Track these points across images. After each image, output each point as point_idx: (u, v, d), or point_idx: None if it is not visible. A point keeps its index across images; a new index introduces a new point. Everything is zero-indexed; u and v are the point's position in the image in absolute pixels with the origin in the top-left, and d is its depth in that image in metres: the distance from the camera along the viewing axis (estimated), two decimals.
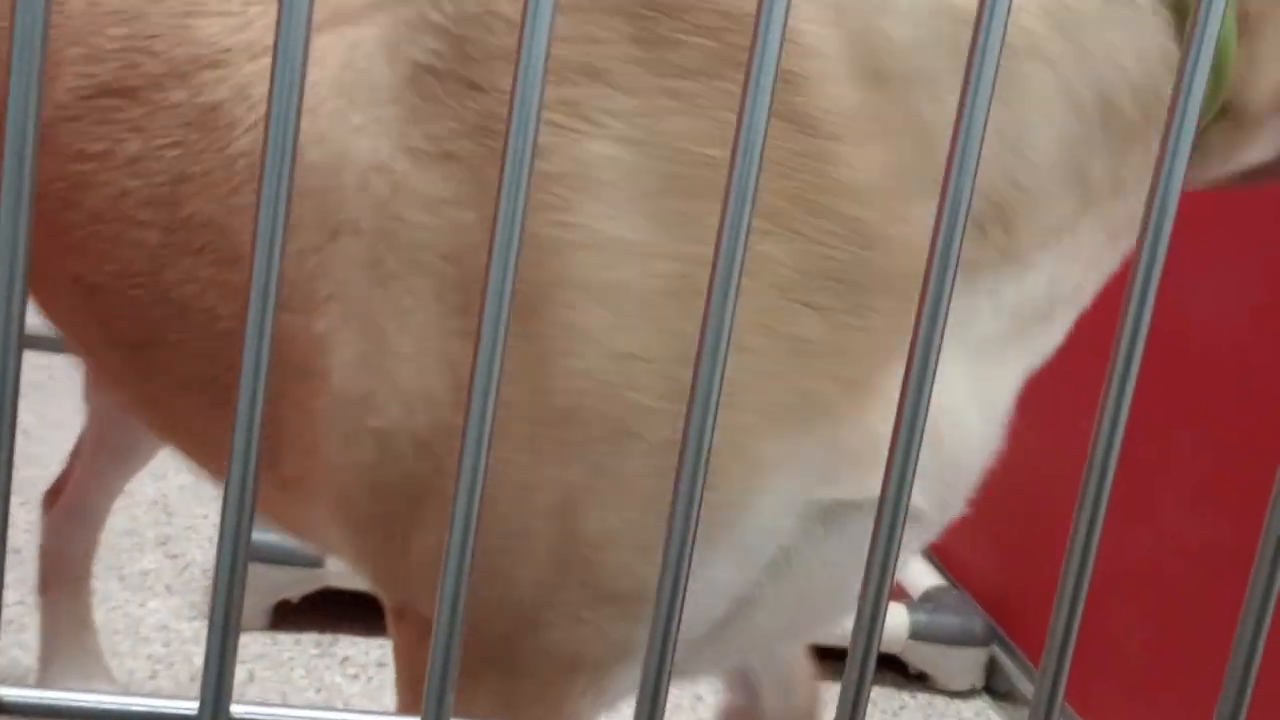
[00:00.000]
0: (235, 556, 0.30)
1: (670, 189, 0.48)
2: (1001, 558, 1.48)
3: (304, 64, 0.28)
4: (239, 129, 0.55)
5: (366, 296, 0.49)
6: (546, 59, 0.28)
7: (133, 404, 0.67)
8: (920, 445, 0.31)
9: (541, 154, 0.47)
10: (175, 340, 0.59)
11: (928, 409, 0.31)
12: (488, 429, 0.30)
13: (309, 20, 0.28)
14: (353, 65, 0.51)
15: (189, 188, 0.56)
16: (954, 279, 0.30)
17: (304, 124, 0.51)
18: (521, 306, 0.47)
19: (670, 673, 0.32)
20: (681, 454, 0.30)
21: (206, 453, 0.65)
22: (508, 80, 0.47)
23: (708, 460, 0.30)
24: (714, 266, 0.29)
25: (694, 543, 0.31)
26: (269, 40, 0.55)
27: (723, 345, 0.30)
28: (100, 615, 1.31)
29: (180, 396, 0.61)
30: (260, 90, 0.54)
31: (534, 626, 0.50)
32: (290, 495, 0.57)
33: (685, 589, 0.31)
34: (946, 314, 0.30)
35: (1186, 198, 0.33)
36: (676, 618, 0.31)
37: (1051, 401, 1.39)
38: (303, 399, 0.53)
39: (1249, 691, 0.34)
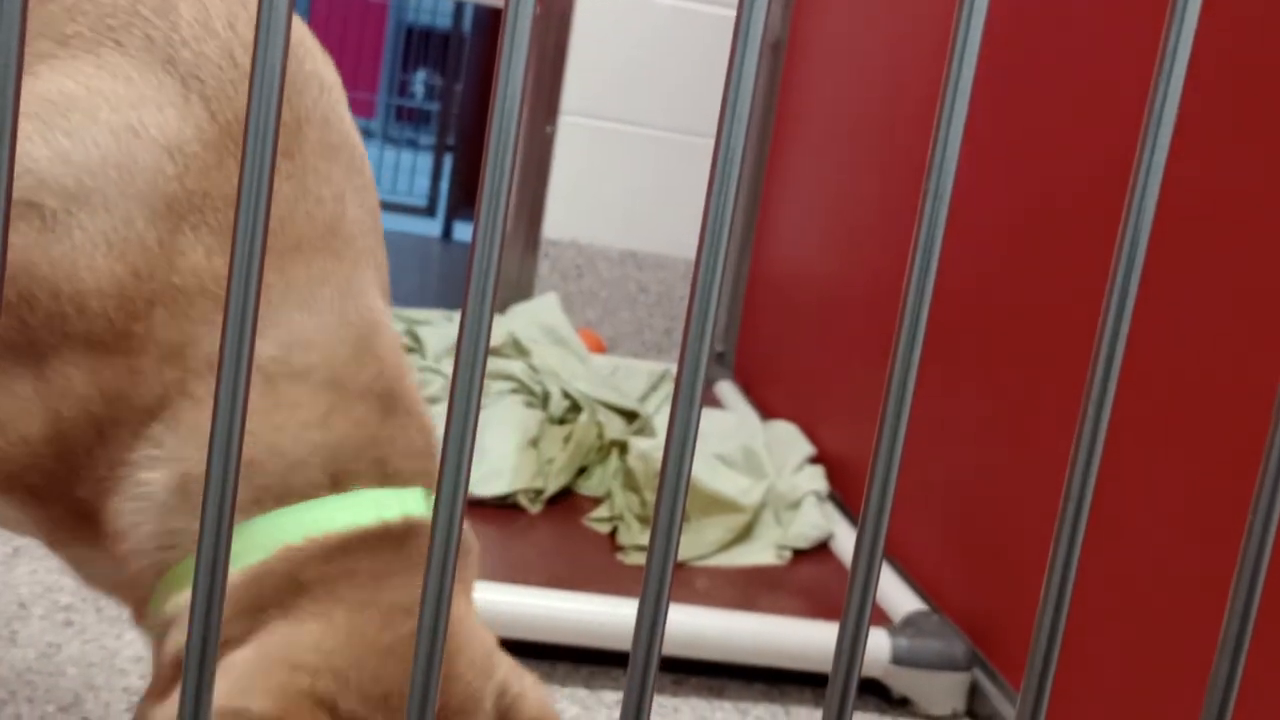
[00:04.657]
0: (212, 587, 0.30)
1: None
2: (982, 582, 1.48)
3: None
4: None
5: None
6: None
7: None
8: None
9: None
10: None
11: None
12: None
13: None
14: None
15: None
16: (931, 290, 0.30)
17: None
18: None
19: (651, 697, 0.32)
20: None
21: None
22: None
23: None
24: None
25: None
26: None
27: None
28: (75, 647, 1.30)
29: None
30: None
31: None
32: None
33: (666, 615, 0.31)
34: None
35: (1175, 182, 0.34)
36: (657, 647, 0.31)
37: (1031, 425, 1.40)
38: None
39: (1229, 713, 0.34)
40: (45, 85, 0.65)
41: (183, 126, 0.64)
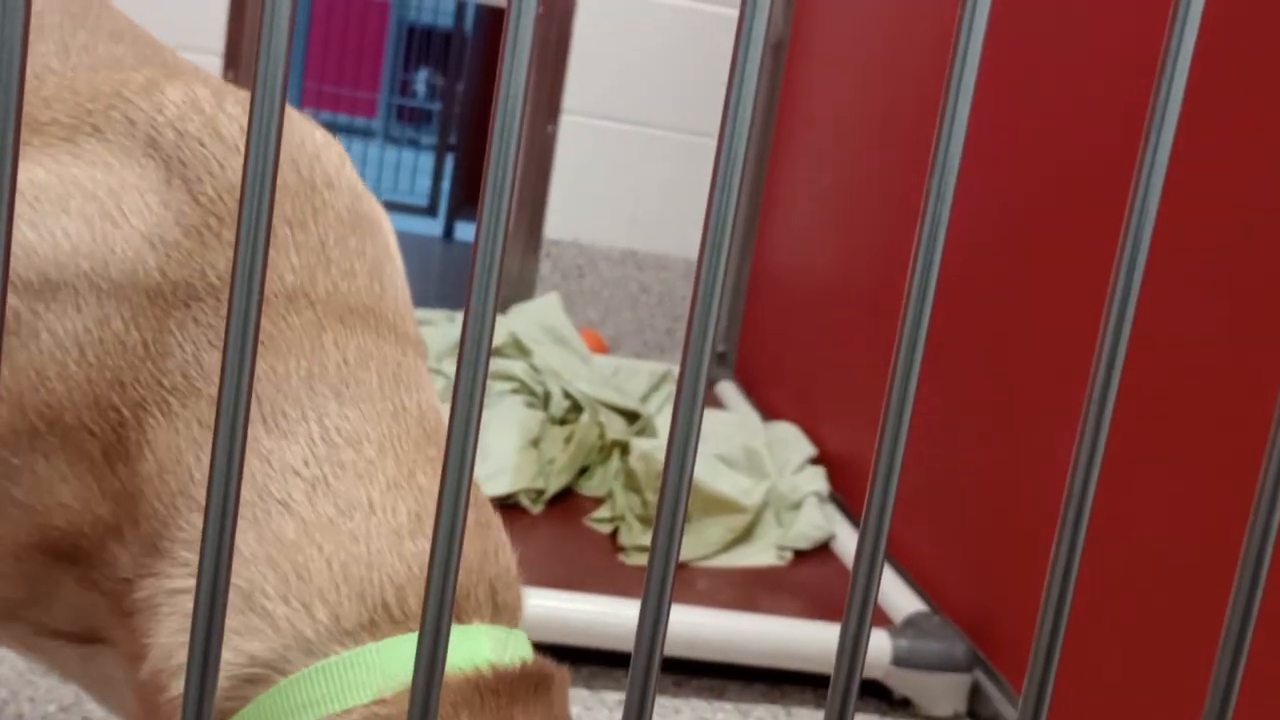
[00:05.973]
0: (214, 595, 0.30)
1: None
2: (984, 583, 1.48)
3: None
4: None
5: None
6: None
7: None
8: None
9: None
10: None
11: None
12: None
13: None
14: None
15: None
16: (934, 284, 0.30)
17: None
18: None
19: (654, 698, 0.32)
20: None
21: None
22: None
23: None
24: None
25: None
26: None
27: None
28: None
29: None
30: None
31: None
32: None
33: (667, 621, 0.31)
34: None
35: (1179, 179, 0.34)
36: (659, 648, 0.31)
37: (1032, 425, 1.39)
38: None
39: (1230, 713, 0.34)
40: None
41: (164, 213, 0.57)
